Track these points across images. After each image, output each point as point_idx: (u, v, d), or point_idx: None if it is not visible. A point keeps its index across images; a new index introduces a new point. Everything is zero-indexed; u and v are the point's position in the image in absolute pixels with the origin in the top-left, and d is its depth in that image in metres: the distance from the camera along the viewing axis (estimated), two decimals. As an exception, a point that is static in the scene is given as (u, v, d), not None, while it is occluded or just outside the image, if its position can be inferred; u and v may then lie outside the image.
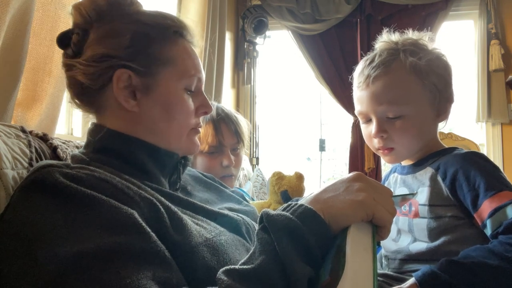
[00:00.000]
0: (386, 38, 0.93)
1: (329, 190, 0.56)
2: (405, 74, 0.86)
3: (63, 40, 0.72)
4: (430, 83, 0.87)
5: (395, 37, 0.92)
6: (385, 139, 0.89)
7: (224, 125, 1.27)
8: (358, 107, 0.92)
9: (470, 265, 0.69)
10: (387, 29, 0.95)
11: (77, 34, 0.69)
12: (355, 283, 0.44)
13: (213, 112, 1.27)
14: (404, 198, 0.75)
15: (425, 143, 0.91)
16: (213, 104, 1.31)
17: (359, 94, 0.91)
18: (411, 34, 0.93)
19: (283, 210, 0.54)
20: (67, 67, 0.70)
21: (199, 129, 0.78)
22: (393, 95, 0.86)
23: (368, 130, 0.91)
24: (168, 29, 0.72)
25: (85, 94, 0.71)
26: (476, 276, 0.68)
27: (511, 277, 0.68)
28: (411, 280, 0.73)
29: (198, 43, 0.79)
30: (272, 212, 0.53)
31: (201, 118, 0.78)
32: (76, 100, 0.73)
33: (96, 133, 0.71)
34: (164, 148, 0.72)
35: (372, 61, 0.90)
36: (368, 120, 0.92)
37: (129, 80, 0.69)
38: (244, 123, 1.35)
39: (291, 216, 0.52)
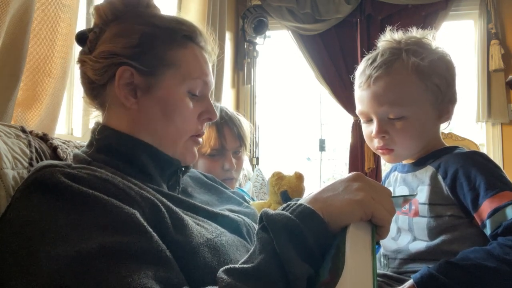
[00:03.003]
0: (388, 37, 0.92)
1: (328, 190, 0.56)
2: (407, 75, 0.85)
3: (81, 37, 0.74)
4: (432, 84, 0.85)
5: (398, 35, 0.91)
6: (386, 140, 0.88)
7: (227, 128, 1.26)
8: (359, 107, 0.92)
9: (468, 267, 0.69)
10: (390, 28, 0.93)
11: (94, 33, 0.72)
12: (355, 282, 0.45)
13: None
14: (405, 198, 0.75)
15: (426, 143, 0.90)
16: (217, 106, 1.31)
17: (360, 94, 0.90)
18: (415, 33, 0.91)
19: (282, 210, 0.54)
20: (81, 63, 0.73)
21: (200, 139, 0.77)
22: (394, 96, 0.85)
23: (369, 130, 0.91)
24: (178, 33, 0.73)
25: (93, 90, 0.73)
26: (474, 278, 0.68)
27: (509, 280, 0.68)
28: (409, 282, 0.73)
29: (213, 50, 0.80)
30: (271, 211, 0.54)
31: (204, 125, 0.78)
32: (86, 96, 0.76)
33: (98, 133, 0.71)
34: (162, 151, 0.72)
35: (374, 60, 0.88)
36: (369, 120, 0.91)
37: (131, 78, 0.70)
38: (247, 126, 1.34)
39: (290, 215, 0.52)
